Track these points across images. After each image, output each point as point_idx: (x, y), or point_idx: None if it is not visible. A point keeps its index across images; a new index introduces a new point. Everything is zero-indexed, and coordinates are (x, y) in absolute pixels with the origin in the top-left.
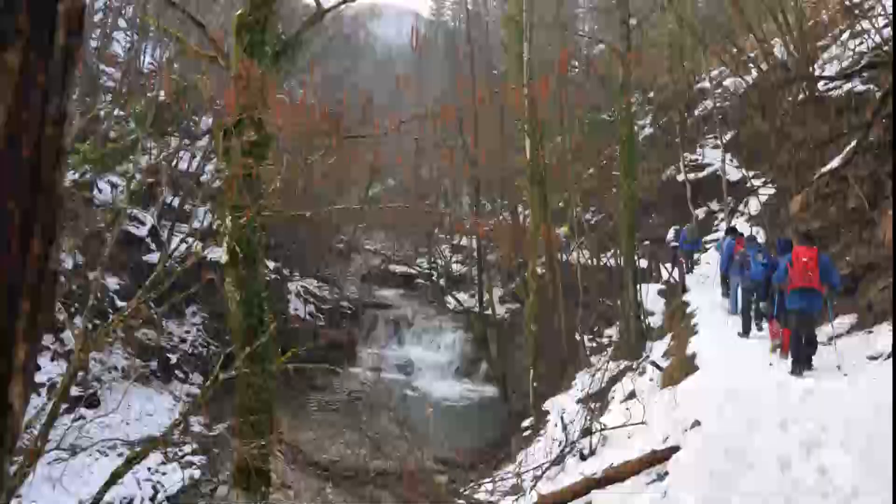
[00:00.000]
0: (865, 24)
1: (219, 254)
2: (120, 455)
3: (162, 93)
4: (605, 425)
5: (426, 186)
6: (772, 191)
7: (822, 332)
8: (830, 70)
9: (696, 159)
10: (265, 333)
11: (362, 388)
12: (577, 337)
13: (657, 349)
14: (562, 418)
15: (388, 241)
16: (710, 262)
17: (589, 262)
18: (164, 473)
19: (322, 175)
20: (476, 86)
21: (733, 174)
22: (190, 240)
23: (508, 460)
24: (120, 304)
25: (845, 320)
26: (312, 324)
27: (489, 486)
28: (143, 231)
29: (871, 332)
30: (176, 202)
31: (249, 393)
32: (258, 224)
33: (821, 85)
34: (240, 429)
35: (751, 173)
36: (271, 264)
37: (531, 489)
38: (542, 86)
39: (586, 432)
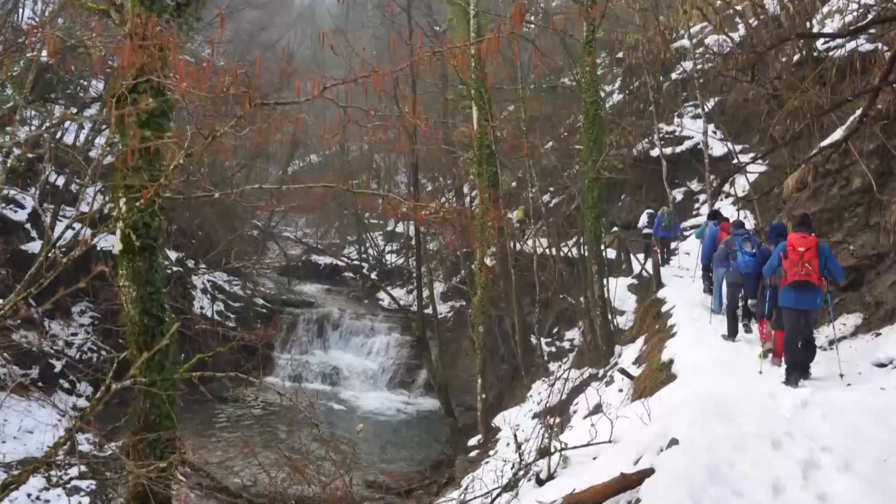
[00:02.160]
0: None
1: (111, 242)
2: None
3: (44, 53)
4: (565, 444)
5: (356, 163)
6: (762, 168)
7: (822, 334)
8: (831, 26)
9: (674, 131)
10: (165, 336)
11: (280, 400)
12: (534, 340)
13: (627, 354)
14: (515, 436)
15: (311, 227)
16: (689, 251)
17: (547, 251)
18: (46, 501)
19: (233, 150)
20: (414, 45)
21: (717, 148)
22: (77, 226)
23: (452, 485)
24: None
25: (848, 320)
26: (221, 325)
27: None
28: (21, 215)
29: (878, 334)
30: (61, 181)
31: (147, 406)
32: (157, 207)
33: (820, 44)
34: (136, 448)
35: (738, 147)
36: (172, 255)
37: None
38: (491, 45)
39: (544, 452)
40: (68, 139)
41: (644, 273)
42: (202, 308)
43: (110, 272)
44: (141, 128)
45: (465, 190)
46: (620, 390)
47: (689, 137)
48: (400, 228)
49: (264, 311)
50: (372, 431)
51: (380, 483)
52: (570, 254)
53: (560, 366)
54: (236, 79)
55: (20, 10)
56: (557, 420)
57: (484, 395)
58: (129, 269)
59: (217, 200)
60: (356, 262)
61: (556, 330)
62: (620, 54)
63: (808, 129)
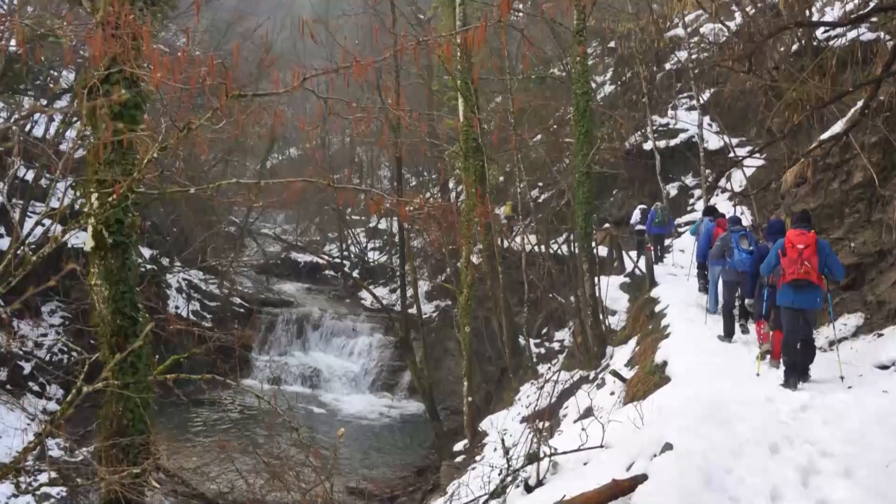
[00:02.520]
0: None
1: (83, 239)
2: None
3: (13, 42)
4: (555, 449)
5: (337, 157)
6: (760, 162)
7: (822, 334)
8: (831, 14)
9: (668, 123)
10: (139, 337)
11: (258, 403)
12: (522, 341)
13: (619, 356)
14: (502, 440)
15: (290, 224)
16: (684, 249)
17: (536, 249)
18: None
19: (209, 143)
20: (398, 34)
21: (712, 141)
22: (47, 222)
23: (437, 492)
24: None
25: (849, 320)
26: (197, 325)
27: None
28: None
29: (880, 335)
30: (30, 176)
31: (120, 409)
32: (130, 203)
33: (819, 32)
34: (108, 453)
35: (734, 140)
36: (146, 252)
37: None
38: (478, 34)
39: (532, 458)
40: (38, 132)
41: (637, 271)
42: (177, 308)
43: (81, 270)
44: (113, 120)
45: (451, 185)
46: (612, 393)
47: (683, 130)
48: (383, 225)
49: (242, 310)
50: (353, 436)
51: (362, 489)
52: (559, 251)
53: (549, 368)
54: (212, 69)
55: None
56: (547, 424)
57: (470, 398)
58: (101, 267)
59: (193, 196)
60: (337, 260)
61: (545, 331)
62: (612, 44)
63: (808, 121)
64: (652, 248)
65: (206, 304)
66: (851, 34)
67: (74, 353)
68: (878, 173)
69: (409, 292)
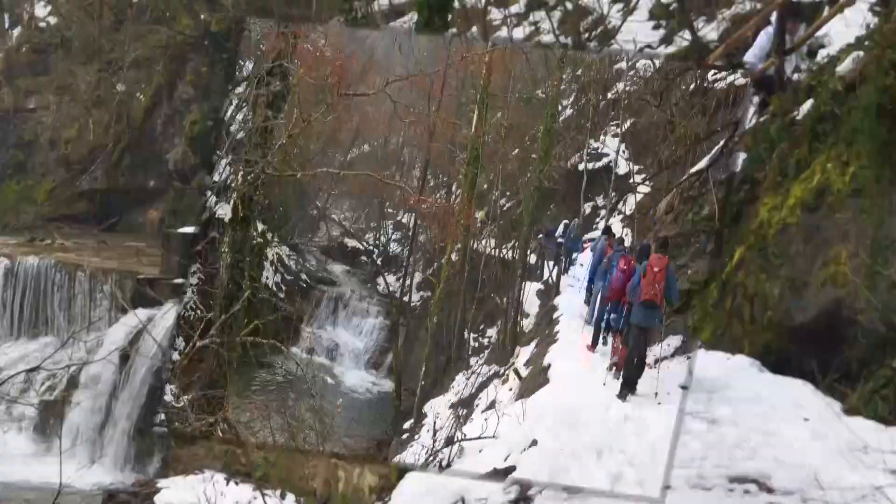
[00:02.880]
0: None
1: (226, 210)
2: None
3: None
4: (464, 435)
5: (392, 155)
6: (647, 189)
7: (652, 352)
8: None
9: (598, 147)
10: (241, 301)
11: (296, 369)
12: (466, 335)
13: (523, 356)
14: (434, 423)
15: (351, 211)
16: (583, 263)
17: (493, 252)
18: None
19: (317, 134)
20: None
21: (623, 167)
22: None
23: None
24: None
25: (672, 341)
26: (275, 295)
27: None
28: None
29: (689, 357)
30: None
31: (214, 365)
32: (261, 182)
33: (711, 74)
34: (198, 403)
35: (636, 168)
36: (259, 226)
37: None
38: (499, 54)
39: (449, 441)
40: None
41: (550, 280)
42: (266, 278)
43: (219, 238)
44: (266, 108)
45: (454, 188)
46: (510, 389)
47: (606, 155)
48: (406, 219)
49: (304, 285)
50: (346, 406)
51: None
52: (508, 255)
53: (477, 361)
54: (342, 67)
55: None
56: (465, 412)
57: (423, 382)
58: (230, 237)
59: (296, 179)
60: (371, 248)
61: (482, 326)
62: (580, 71)
63: (691, 154)
64: (563, 260)
65: (284, 278)
66: (731, 77)
67: (199, 311)
68: (721, 209)
69: (409, 282)
